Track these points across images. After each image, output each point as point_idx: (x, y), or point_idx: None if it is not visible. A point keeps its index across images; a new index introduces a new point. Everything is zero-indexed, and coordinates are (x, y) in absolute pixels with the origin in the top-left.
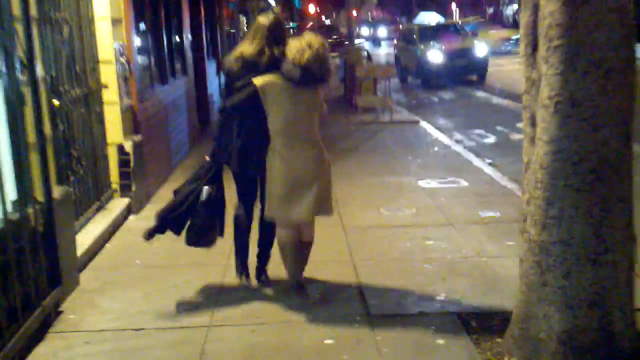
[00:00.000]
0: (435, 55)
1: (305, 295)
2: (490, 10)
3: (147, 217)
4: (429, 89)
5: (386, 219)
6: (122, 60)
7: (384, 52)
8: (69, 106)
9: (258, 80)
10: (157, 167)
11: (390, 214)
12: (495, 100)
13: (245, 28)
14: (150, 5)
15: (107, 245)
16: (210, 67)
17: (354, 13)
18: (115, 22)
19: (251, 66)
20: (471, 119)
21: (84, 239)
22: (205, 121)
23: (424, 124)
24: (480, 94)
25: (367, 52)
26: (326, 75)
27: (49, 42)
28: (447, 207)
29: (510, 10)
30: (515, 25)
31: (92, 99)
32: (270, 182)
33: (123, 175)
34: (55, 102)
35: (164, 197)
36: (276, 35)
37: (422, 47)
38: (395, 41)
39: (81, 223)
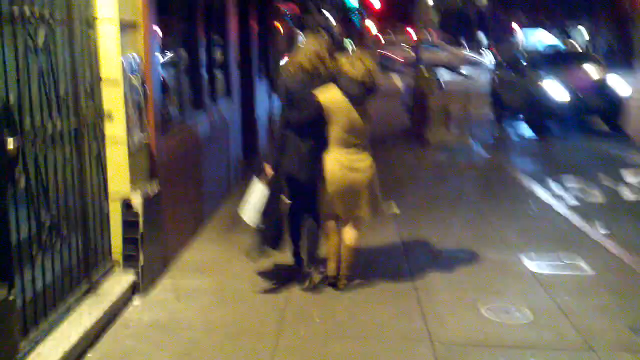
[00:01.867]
0: (555, 90)
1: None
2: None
3: (160, 302)
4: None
5: (492, 330)
6: (135, 80)
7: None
8: (42, 147)
9: (321, 95)
10: (182, 222)
11: (495, 318)
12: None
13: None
14: (182, 8)
15: (89, 356)
16: (260, 88)
17: (412, 34)
18: (128, 26)
19: (310, 79)
20: (566, 166)
21: (51, 351)
22: (251, 151)
23: (510, 168)
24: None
25: (439, 79)
26: (376, 89)
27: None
28: (575, 313)
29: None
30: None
31: (86, 134)
32: (330, 185)
33: (128, 241)
34: (10, 142)
35: (188, 265)
36: (330, 52)
37: (536, 79)
38: (494, 70)
39: (45, 328)
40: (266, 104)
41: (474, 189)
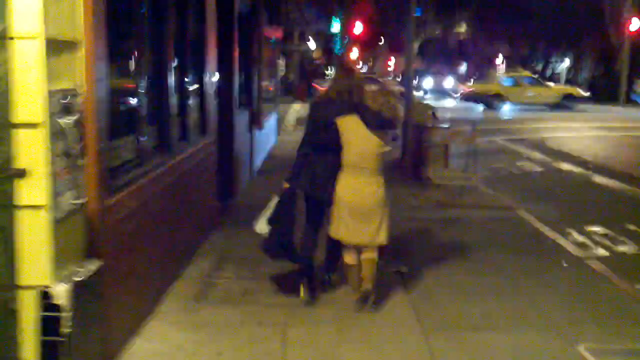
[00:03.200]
0: None
1: (365, 305)
2: (539, 67)
3: None
4: None
5: None
6: (67, 122)
7: (448, 105)
8: None
9: (340, 122)
10: (135, 301)
11: None
12: (599, 179)
13: (283, 72)
14: (144, 25)
15: None
16: (241, 120)
17: (391, 61)
18: (62, 46)
19: (335, 106)
20: (580, 207)
21: None
22: (228, 193)
23: (522, 212)
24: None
25: (434, 109)
26: (396, 122)
27: None
28: None
29: (561, 67)
30: (569, 83)
31: None
32: (338, 205)
33: (48, 346)
34: None
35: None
36: (358, 84)
37: None
38: None
39: None
40: (247, 139)
41: (488, 240)
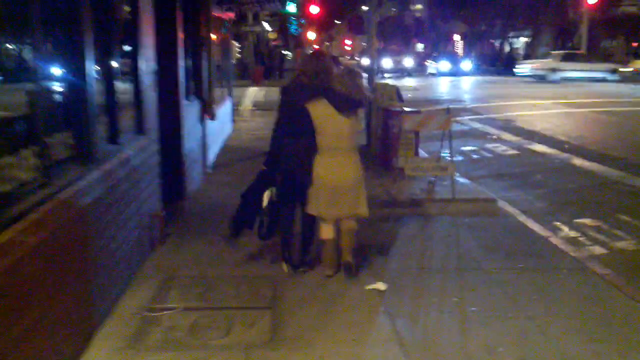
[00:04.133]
0: None
1: (350, 275)
2: (497, 43)
3: None
4: None
5: None
6: None
7: (408, 85)
8: None
9: (311, 107)
10: (47, 354)
11: None
12: (578, 162)
13: (238, 55)
14: None
15: None
16: (190, 111)
17: (347, 42)
18: None
19: (304, 91)
20: (564, 195)
21: None
22: (177, 197)
23: (503, 204)
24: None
25: (398, 90)
26: (363, 101)
27: None
28: None
29: (519, 42)
30: (527, 58)
31: None
32: (317, 185)
33: None
34: None
35: None
36: (326, 68)
37: None
38: None
39: None
40: (198, 131)
41: (472, 241)
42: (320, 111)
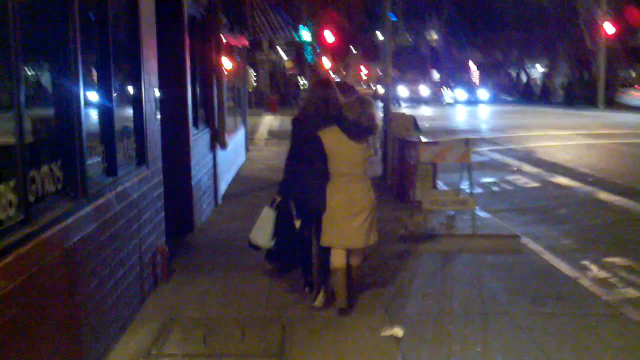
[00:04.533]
0: None
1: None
2: (514, 73)
3: None
4: None
5: None
6: None
7: (425, 114)
8: None
9: (323, 136)
10: None
11: None
12: (603, 195)
13: (254, 83)
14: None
15: None
16: (200, 140)
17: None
18: None
19: (315, 120)
20: (591, 231)
21: None
22: (186, 229)
23: (526, 240)
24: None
25: (415, 120)
26: (375, 129)
27: None
28: None
29: (536, 72)
30: (546, 88)
31: None
32: (330, 213)
33: None
34: None
35: None
36: (334, 95)
37: None
38: None
39: None
40: (208, 161)
41: (496, 282)
42: (332, 138)
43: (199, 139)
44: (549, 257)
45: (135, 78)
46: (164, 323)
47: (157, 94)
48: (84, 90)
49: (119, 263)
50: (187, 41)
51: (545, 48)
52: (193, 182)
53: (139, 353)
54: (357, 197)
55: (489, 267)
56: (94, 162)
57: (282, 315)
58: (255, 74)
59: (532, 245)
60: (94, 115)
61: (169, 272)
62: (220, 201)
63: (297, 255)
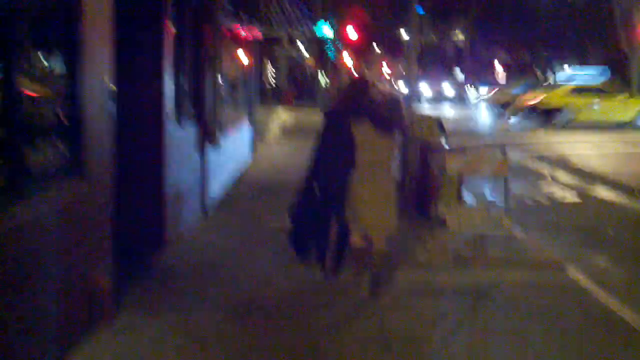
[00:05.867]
0: None
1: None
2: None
3: None
4: None
5: None
6: None
7: (448, 114)
8: None
9: (355, 125)
10: None
11: None
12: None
13: (272, 79)
14: None
15: None
16: (183, 138)
17: (385, 68)
18: None
19: (346, 113)
20: None
21: None
22: (154, 244)
23: (573, 271)
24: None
25: (441, 123)
26: (402, 124)
27: None
28: None
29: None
30: None
31: None
32: (355, 198)
33: None
34: None
35: None
36: (368, 88)
37: None
38: None
39: None
40: (195, 161)
41: (540, 330)
42: (362, 129)
43: (180, 137)
44: (600, 294)
45: (72, 67)
46: None
47: (110, 85)
48: None
49: (22, 307)
50: (168, 25)
51: (574, 49)
52: (166, 188)
53: None
54: (380, 185)
55: (532, 312)
56: None
57: None
58: (274, 70)
59: (580, 277)
60: None
61: (114, 311)
62: (210, 210)
63: (315, 237)
